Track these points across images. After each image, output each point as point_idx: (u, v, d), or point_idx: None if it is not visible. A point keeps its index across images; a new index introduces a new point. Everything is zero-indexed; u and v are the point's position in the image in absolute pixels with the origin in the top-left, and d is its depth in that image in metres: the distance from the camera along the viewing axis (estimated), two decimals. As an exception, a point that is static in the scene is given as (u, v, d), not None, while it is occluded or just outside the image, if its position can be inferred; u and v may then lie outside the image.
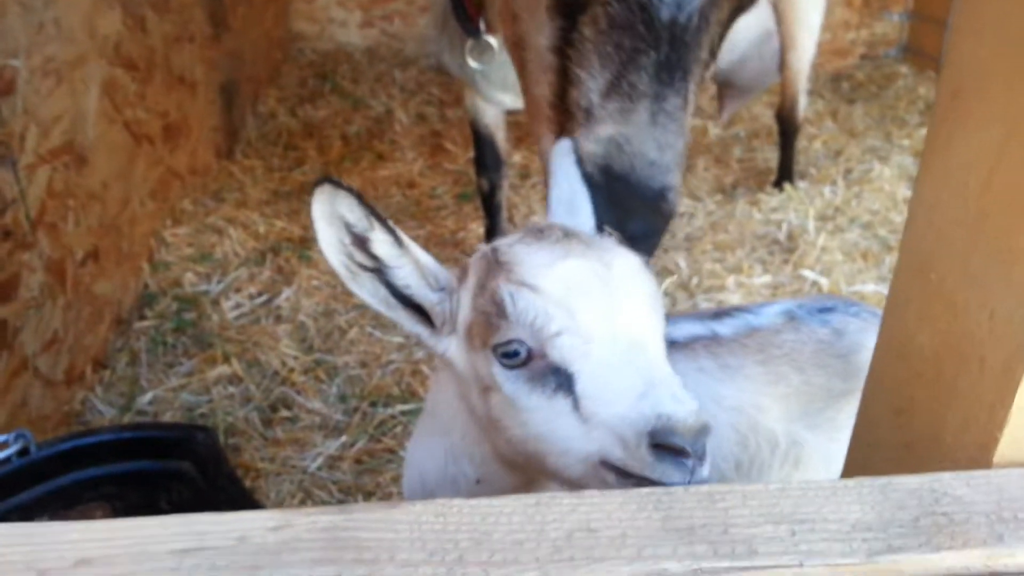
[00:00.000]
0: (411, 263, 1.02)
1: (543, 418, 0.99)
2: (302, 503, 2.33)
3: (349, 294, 3.21)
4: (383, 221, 0.98)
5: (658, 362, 1.01)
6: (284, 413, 2.65)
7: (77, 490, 1.79)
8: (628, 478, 0.95)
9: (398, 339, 2.97)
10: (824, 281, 3.26)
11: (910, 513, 0.81)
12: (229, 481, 1.83)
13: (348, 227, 0.98)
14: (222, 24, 4.20)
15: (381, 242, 0.99)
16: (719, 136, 4.65)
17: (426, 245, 3.55)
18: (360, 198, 0.96)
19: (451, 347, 1.06)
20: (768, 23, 3.34)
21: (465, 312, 1.04)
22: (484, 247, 1.09)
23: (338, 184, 0.95)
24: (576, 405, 0.97)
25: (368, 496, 2.36)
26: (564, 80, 1.46)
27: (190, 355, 2.88)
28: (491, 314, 0.99)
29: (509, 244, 1.06)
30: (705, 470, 0.93)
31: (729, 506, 0.81)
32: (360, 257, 1.00)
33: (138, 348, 2.90)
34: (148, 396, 2.67)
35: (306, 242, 3.53)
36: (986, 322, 0.89)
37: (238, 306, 3.13)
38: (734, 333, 1.50)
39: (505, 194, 3.20)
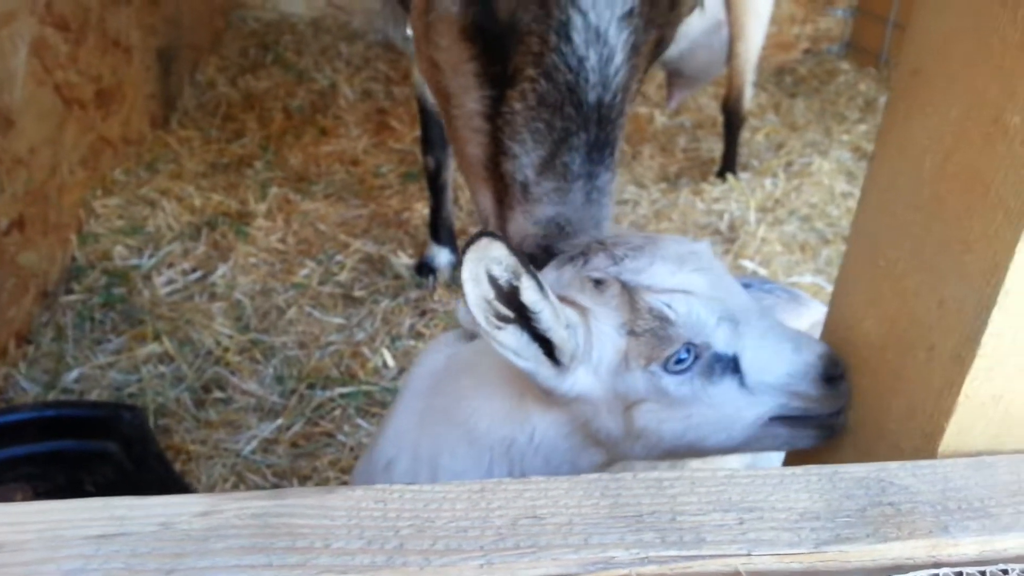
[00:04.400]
0: (550, 306, 1.00)
1: (710, 404, 1.05)
2: (235, 487, 2.26)
3: (288, 272, 3.14)
4: (529, 269, 0.97)
5: (776, 317, 1.11)
6: (217, 394, 2.57)
7: (-5, 470, 1.70)
8: (801, 423, 1.07)
9: (338, 320, 2.91)
10: (763, 271, 3.29)
11: (857, 503, 0.80)
12: (157, 462, 1.76)
13: (492, 280, 0.97)
14: (160, -12, 4.04)
15: (528, 289, 0.98)
16: (665, 125, 4.67)
17: (369, 225, 3.49)
18: (509, 247, 0.95)
19: (579, 379, 1.06)
20: (719, 13, 3.35)
21: (612, 341, 1.05)
22: (566, 276, 1.11)
23: (494, 236, 0.94)
24: (742, 381, 1.05)
25: (304, 481, 2.30)
26: (497, 149, 1.47)
27: (119, 332, 2.77)
28: (656, 328, 1.03)
29: (615, 266, 1.08)
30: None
31: (677, 493, 0.79)
32: (503, 310, 0.99)
33: (64, 323, 2.78)
34: (74, 373, 2.57)
35: (244, 217, 3.43)
36: (936, 309, 0.88)
37: (171, 282, 3.03)
38: None
39: (451, 174, 3.14)
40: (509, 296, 0.98)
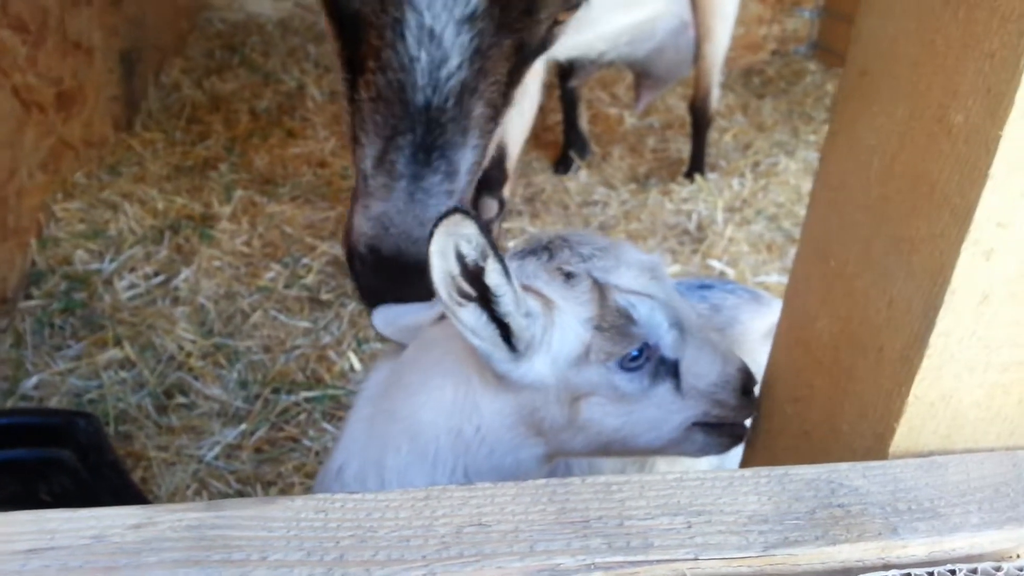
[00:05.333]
0: (512, 292, 1.02)
1: (648, 404, 1.11)
2: (197, 494, 2.23)
3: (253, 275, 3.10)
4: (496, 251, 0.98)
5: (708, 330, 1.21)
6: (180, 400, 2.53)
7: (-55, 480, 1.66)
8: (716, 431, 1.16)
9: (304, 324, 2.88)
10: (731, 272, 3.31)
11: (807, 505, 0.80)
12: (112, 471, 1.73)
13: (460, 258, 0.98)
14: (123, -11, 3.98)
15: (493, 271, 0.99)
16: (634, 126, 4.68)
17: (336, 227, 3.46)
18: (480, 227, 0.96)
19: (534, 366, 1.08)
20: (685, 14, 3.36)
21: (576, 334, 1.08)
22: (529, 267, 1.15)
23: (466, 214, 0.94)
24: (678, 385, 1.13)
25: (268, 487, 2.28)
26: (352, 134, 1.49)
27: (79, 337, 2.72)
28: (621, 326, 1.09)
29: (584, 262, 1.14)
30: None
31: (626, 497, 0.78)
32: (466, 288, 1.01)
33: (23, 329, 2.72)
34: (33, 380, 2.52)
35: (208, 220, 3.39)
36: (885, 310, 0.88)
37: (132, 286, 2.98)
38: None
39: (417, 177, 3.12)
40: (473, 275, 0.99)
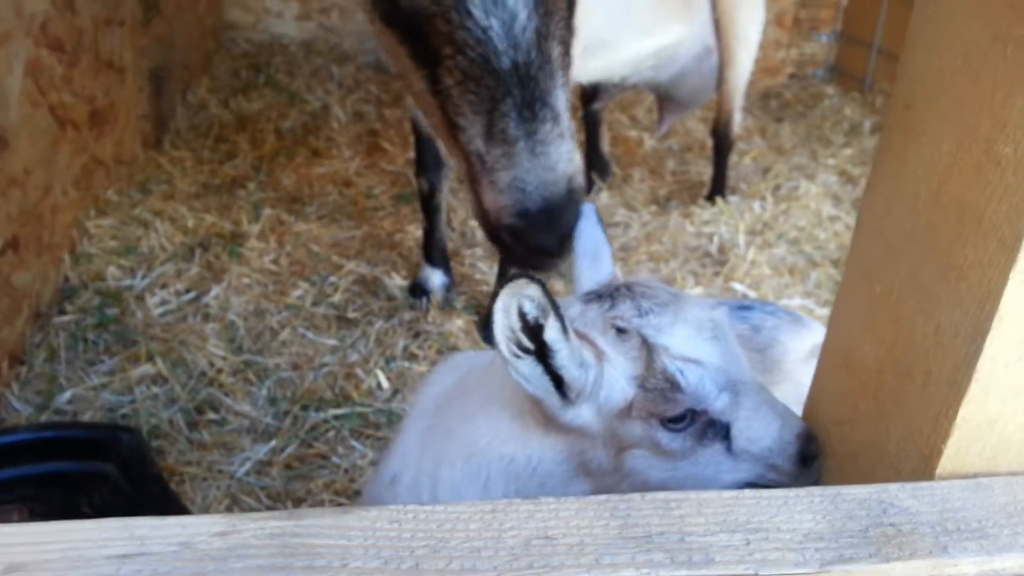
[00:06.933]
0: (567, 347, 1.06)
1: (696, 463, 1.12)
2: (228, 510, 2.25)
3: (281, 293, 3.15)
4: (558, 310, 1.03)
5: (769, 391, 1.17)
6: (211, 415, 2.57)
7: (-9, 491, 1.69)
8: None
9: (331, 341, 2.92)
10: (753, 294, 3.33)
11: (859, 523, 0.82)
12: (155, 484, 1.76)
13: (522, 316, 1.03)
14: (154, 8, 4.06)
15: (552, 328, 1.04)
16: (654, 148, 4.72)
17: (362, 246, 3.51)
18: (544, 289, 1.01)
19: (582, 413, 1.11)
20: (708, 39, 3.41)
21: (621, 388, 1.10)
22: (590, 315, 1.16)
23: (531, 278, 1.00)
24: (729, 448, 1.12)
25: (298, 503, 2.30)
26: (449, 124, 1.54)
27: (112, 353, 2.77)
28: (665, 389, 1.08)
29: (639, 317, 1.13)
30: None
31: (685, 514, 0.81)
32: (525, 342, 1.05)
33: (57, 344, 2.77)
34: (67, 395, 2.56)
35: (237, 238, 3.44)
36: (932, 335, 0.91)
37: (164, 303, 3.03)
38: None
39: (445, 196, 3.17)
40: (533, 330, 1.04)
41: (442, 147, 1.75)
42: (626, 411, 1.10)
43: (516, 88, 1.45)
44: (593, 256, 1.34)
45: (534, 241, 1.51)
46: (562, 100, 1.51)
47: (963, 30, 0.85)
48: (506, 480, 1.15)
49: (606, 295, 1.18)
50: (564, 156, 1.51)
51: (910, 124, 0.93)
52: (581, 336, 1.11)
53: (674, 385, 1.08)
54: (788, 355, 1.51)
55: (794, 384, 1.24)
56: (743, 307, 1.65)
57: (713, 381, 1.10)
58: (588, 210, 1.37)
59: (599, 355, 1.11)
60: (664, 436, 1.10)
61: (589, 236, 1.36)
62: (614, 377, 1.10)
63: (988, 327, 0.84)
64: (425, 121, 1.78)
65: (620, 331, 1.12)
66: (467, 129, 1.50)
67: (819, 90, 5.60)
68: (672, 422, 1.09)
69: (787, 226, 3.82)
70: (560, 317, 1.03)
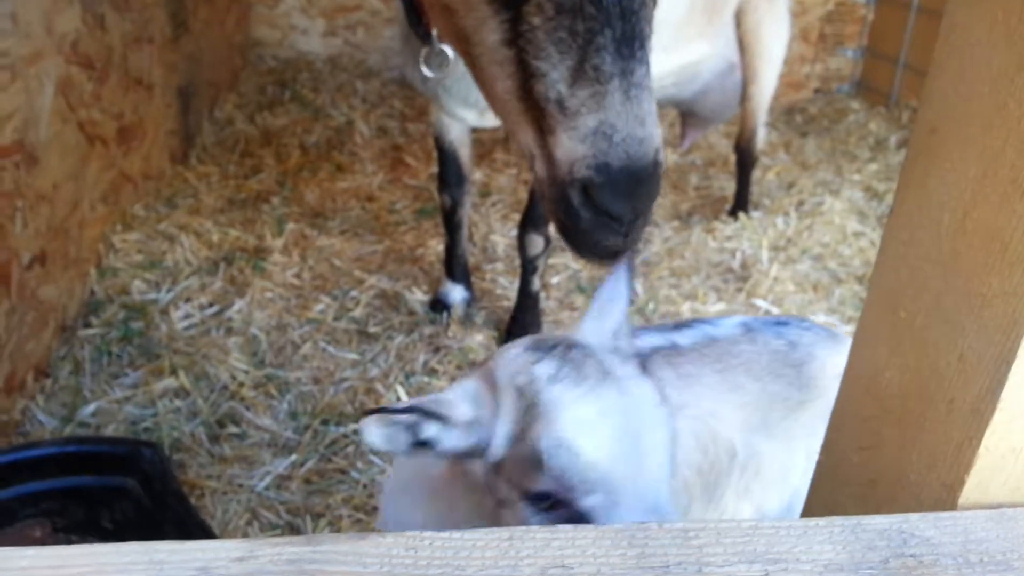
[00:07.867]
0: (451, 433, 1.06)
1: None
2: (248, 524, 2.26)
3: (303, 307, 3.17)
4: (431, 416, 1.03)
5: (665, 497, 1.06)
6: (232, 429, 2.59)
7: (16, 505, 1.71)
8: None
9: (352, 356, 2.93)
10: (776, 311, 3.30)
11: (880, 554, 0.81)
12: (176, 500, 1.77)
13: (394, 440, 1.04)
14: (182, 26, 4.13)
15: (428, 429, 1.04)
16: (676, 163, 4.71)
17: (384, 261, 3.52)
18: (412, 411, 1.03)
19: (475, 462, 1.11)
20: (732, 56, 3.40)
21: (500, 445, 1.07)
22: (518, 361, 1.10)
23: (385, 411, 1.01)
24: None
25: (317, 519, 2.31)
26: (524, 74, 1.42)
27: (136, 366, 2.80)
28: (528, 464, 1.03)
29: (547, 381, 1.06)
30: None
31: (703, 544, 0.80)
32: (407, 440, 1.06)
33: (82, 357, 2.80)
34: (91, 407, 2.59)
35: (260, 252, 3.47)
36: (956, 363, 0.90)
37: (187, 316, 3.06)
38: (693, 343, 1.53)
39: (467, 212, 3.18)
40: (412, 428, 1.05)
41: (503, 121, 1.57)
42: (498, 469, 1.08)
43: (617, 20, 1.32)
44: (607, 304, 1.26)
45: (608, 203, 1.36)
46: (650, 52, 1.39)
47: (989, 57, 0.84)
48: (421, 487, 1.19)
49: (545, 348, 1.11)
50: (654, 114, 1.38)
51: (934, 149, 0.92)
52: (488, 383, 1.09)
53: (537, 462, 1.02)
54: (825, 371, 1.49)
55: (828, 402, 1.22)
56: (779, 323, 1.62)
57: (583, 478, 1.01)
58: (623, 266, 1.28)
59: (494, 409, 1.08)
60: (525, 509, 1.05)
61: (613, 287, 1.27)
62: (499, 434, 1.07)
63: (1013, 356, 0.83)
64: (483, 91, 1.60)
65: (519, 389, 1.07)
66: (548, 74, 1.37)
67: (844, 105, 5.58)
68: (535, 499, 1.04)
69: (811, 242, 3.79)
70: (438, 417, 1.03)
